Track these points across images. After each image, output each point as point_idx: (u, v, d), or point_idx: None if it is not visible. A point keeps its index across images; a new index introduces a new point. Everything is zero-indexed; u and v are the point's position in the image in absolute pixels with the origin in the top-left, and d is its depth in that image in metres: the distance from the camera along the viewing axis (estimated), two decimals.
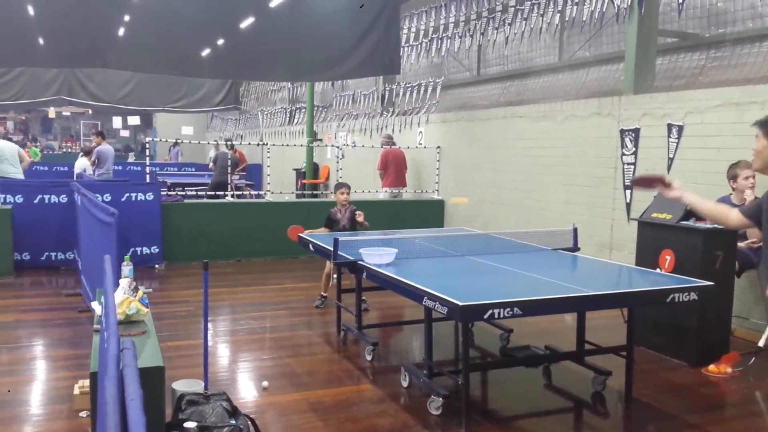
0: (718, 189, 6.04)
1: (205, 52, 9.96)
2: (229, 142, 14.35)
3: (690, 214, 5.46)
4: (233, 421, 3.34)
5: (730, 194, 5.75)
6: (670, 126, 6.89)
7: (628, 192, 7.43)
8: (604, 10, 7.78)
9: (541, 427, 4.23)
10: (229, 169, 11.87)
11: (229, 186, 11.46)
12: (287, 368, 5.12)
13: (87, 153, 13.32)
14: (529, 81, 10.07)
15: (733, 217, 3.37)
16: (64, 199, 8.68)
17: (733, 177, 5.66)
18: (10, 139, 13.14)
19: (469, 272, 4.83)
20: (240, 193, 13.19)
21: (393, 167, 11.09)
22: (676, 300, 4.02)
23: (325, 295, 6.96)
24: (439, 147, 11.14)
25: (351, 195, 7.06)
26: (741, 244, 5.53)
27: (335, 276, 6.43)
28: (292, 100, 18.68)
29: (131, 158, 23.46)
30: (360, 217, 6.75)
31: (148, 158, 10.21)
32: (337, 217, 6.89)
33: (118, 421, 1.66)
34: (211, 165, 13.00)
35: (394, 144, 11.50)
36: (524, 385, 4.83)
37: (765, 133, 3.14)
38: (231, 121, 24.23)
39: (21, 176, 10.24)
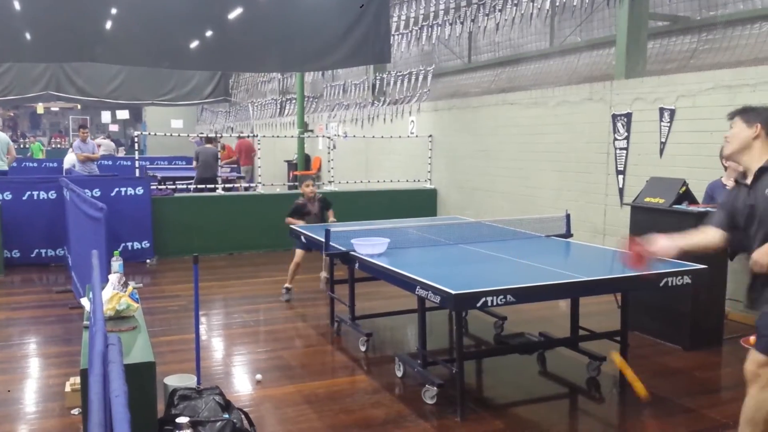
0: (710, 172, 6.03)
1: (194, 43, 9.87)
2: (208, 135, 14.11)
3: (683, 197, 5.44)
4: (226, 416, 3.30)
5: (721, 177, 5.73)
6: (662, 110, 6.87)
7: (620, 177, 7.41)
8: None
9: (537, 413, 4.22)
10: (221, 163, 11.73)
11: (218, 179, 11.33)
12: (281, 361, 5.09)
13: None
14: (521, 67, 10.02)
15: (714, 236, 3.27)
16: (53, 195, 8.60)
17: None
18: None
19: (462, 261, 4.81)
20: (231, 186, 13.08)
21: (244, 153, 15.41)
22: (670, 284, 4.01)
23: (289, 286, 6.95)
24: (431, 136, 11.10)
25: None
26: None
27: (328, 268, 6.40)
28: (283, 92, 18.57)
29: (120, 153, 23.28)
30: (331, 216, 7.16)
31: (137, 152, 10.11)
32: (307, 209, 7.12)
33: (103, 417, 1.62)
34: (194, 164, 12.67)
35: (245, 137, 15.53)
36: (519, 373, 4.83)
37: (744, 120, 3.17)
38: (221, 113, 24.06)
39: (5, 168, 10.34)
